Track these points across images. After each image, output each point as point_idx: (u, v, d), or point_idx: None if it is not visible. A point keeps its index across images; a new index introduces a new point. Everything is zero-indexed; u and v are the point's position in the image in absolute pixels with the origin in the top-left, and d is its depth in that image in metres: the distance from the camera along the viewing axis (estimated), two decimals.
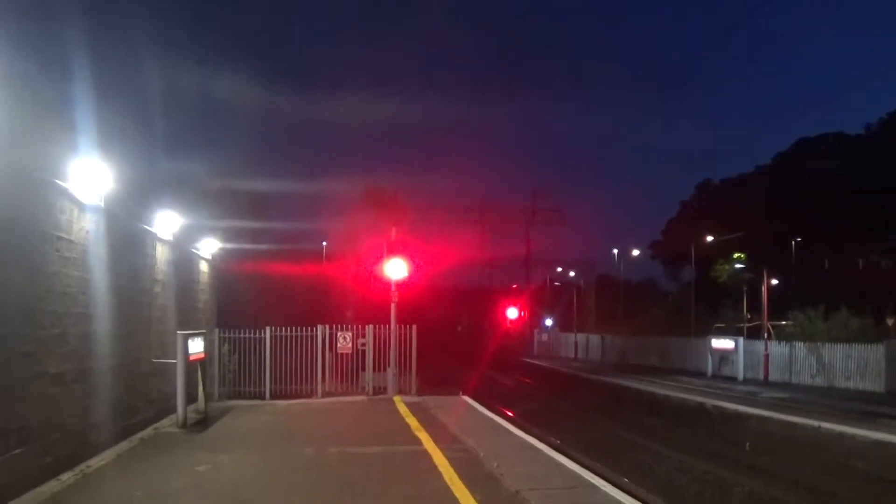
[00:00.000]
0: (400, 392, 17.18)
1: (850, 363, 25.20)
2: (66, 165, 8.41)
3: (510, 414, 19.25)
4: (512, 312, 51.28)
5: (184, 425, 12.00)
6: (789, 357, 27.77)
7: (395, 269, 17.56)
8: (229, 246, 18.45)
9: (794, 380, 27.21)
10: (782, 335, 29.72)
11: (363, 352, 17.42)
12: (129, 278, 10.91)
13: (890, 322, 29.31)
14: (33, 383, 7.52)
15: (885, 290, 30.82)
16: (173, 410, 12.30)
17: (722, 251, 38.64)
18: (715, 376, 30.44)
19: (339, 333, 17.29)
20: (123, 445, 10.17)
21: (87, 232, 9.13)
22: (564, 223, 53.47)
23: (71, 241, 8.61)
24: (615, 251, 54.99)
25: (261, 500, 7.49)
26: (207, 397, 14.22)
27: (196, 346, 13.01)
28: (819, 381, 26.17)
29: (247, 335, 16.67)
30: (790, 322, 30.58)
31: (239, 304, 18.86)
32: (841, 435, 15.23)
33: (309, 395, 16.78)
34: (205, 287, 16.55)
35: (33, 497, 7.20)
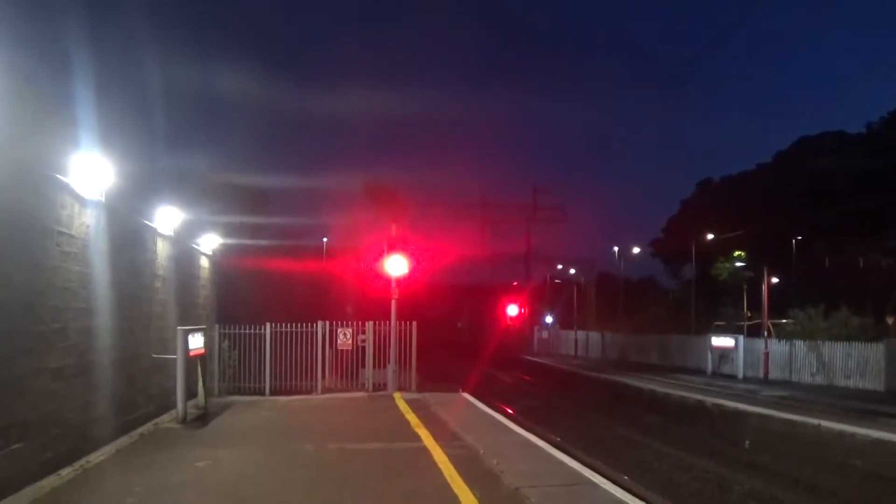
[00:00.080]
0: (400, 389, 17.18)
1: (850, 362, 25.20)
2: (66, 160, 8.39)
3: (510, 411, 19.26)
4: (512, 309, 51.27)
5: (184, 421, 12.00)
6: (789, 355, 27.77)
7: (396, 265, 17.54)
8: (230, 241, 18.42)
9: (794, 378, 27.22)
10: (782, 333, 29.72)
11: (363, 348, 17.42)
12: (129, 273, 10.90)
13: (890, 321, 29.30)
14: (34, 378, 7.52)
15: (886, 289, 30.81)
16: (173, 406, 12.31)
17: (722, 249, 38.63)
18: (715, 374, 30.45)
19: (339, 330, 17.30)
20: (123, 441, 10.17)
21: (88, 227, 9.12)
22: (565, 220, 53.51)
23: (72, 236, 8.60)
24: (615, 249, 55.06)
25: (261, 497, 7.48)
26: (207, 393, 14.22)
27: (196, 342, 13.01)
28: (819, 380, 26.17)
29: (247, 331, 16.67)
30: (790, 320, 30.57)
31: (239, 299, 18.86)
32: (841, 433, 15.22)
33: (309, 392, 16.78)
34: (205, 282, 16.54)
35: (33, 492, 7.19)
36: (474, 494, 7.35)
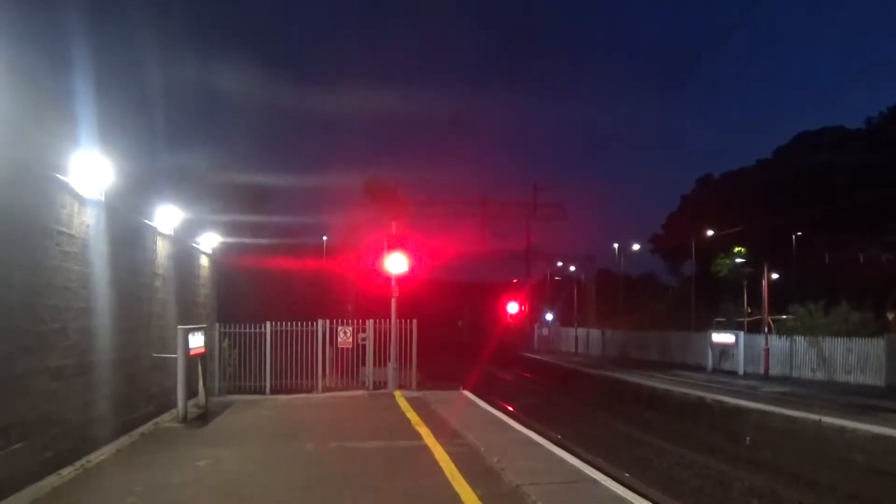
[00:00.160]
0: (400, 387, 17.18)
1: (851, 357, 25.20)
2: (66, 159, 8.38)
3: (510, 409, 19.29)
4: (512, 307, 51.25)
5: (184, 420, 12.00)
6: (790, 351, 27.79)
7: (396, 263, 17.53)
8: (230, 240, 18.42)
9: (795, 374, 27.23)
10: (783, 329, 29.72)
11: (363, 346, 17.41)
12: (129, 273, 10.89)
13: (890, 316, 29.28)
14: (34, 378, 7.51)
15: (886, 284, 30.80)
16: (174, 405, 12.30)
17: (722, 245, 38.64)
18: (715, 371, 30.46)
19: (339, 328, 17.29)
20: (124, 440, 10.17)
21: (88, 226, 9.11)
22: (565, 217, 53.54)
23: (71, 236, 8.59)
24: (615, 245, 55.01)
25: (261, 495, 7.48)
26: (208, 392, 14.22)
27: (196, 341, 13.01)
28: (819, 376, 26.19)
29: (247, 330, 16.66)
30: (791, 316, 30.54)
31: (239, 298, 18.84)
32: (841, 429, 15.23)
33: (309, 390, 16.78)
34: (205, 281, 16.54)
35: (34, 491, 7.19)
36: (475, 492, 7.34)
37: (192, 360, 12.75)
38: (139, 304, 11.45)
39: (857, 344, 25.09)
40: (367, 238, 28.87)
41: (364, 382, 17.32)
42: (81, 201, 8.86)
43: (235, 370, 16.69)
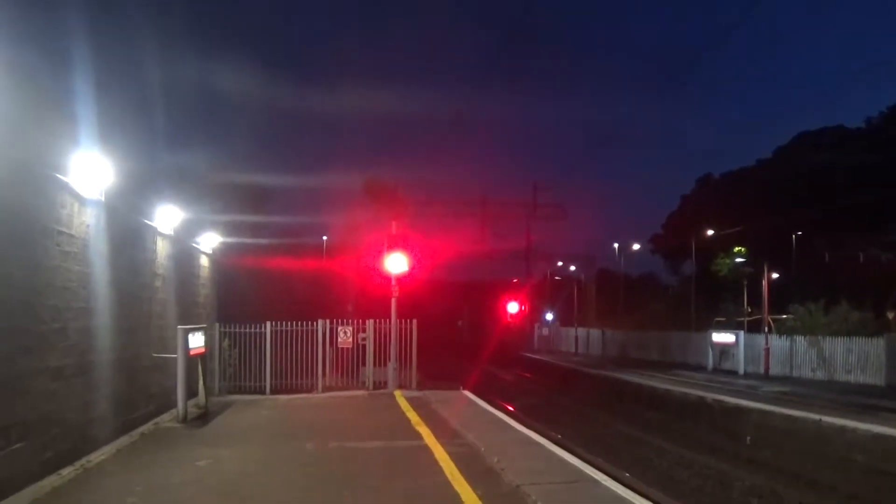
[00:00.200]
0: (400, 387, 17.18)
1: (851, 357, 25.19)
2: (66, 159, 8.37)
3: (511, 409, 19.30)
4: (512, 307, 51.25)
5: (184, 420, 12.00)
6: (790, 351, 27.78)
7: (396, 263, 17.53)
8: (230, 240, 18.41)
9: (795, 373, 27.23)
10: (783, 329, 29.71)
11: (364, 346, 17.41)
12: (129, 273, 10.89)
13: (890, 315, 29.27)
14: (34, 378, 7.51)
15: (886, 284, 30.79)
16: (174, 405, 12.30)
17: (722, 245, 38.63)
18: (716, 370, 30.46)
19: (339, 328, 17.28)
20: (124, 440, 10.16)
21: (88, 226, 9.11)
22: (565, 217, 53.52)
23: (71, 236, 8.59)
24: (615, 245, 55.01)
25: (261, 495, 7.48)
26: (208, 392, 14.21)
27: (196, 341, 13.00)
28: (820, 375, 26.19)
29: (247, 330, 16.66)
30: (791, 316, 30.54)
31: (239, 298, 18.84)
32: (842, 428, 15.23)
33: (309, 390, 16.78)
34: (205, 281, 16.53)
35: (34, 491, 7.19)
36: (475, 492, 7.34)
37: (192, 360, 12.74)
38: (139, 304, 11.45)
39: (857, 343, 25.08)
40: (367, 238, 28.89)
41: (364, 382, 17.31)
42: (81, 201, 8.86)
43: (235, 370, 16.69)
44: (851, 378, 24.87)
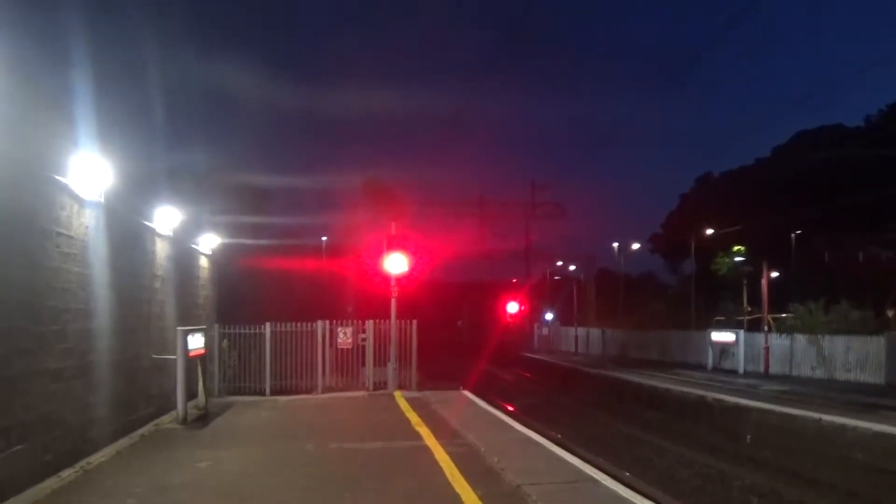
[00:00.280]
0: (400, 387, 17.17)
1: (851, 355, 25.17)
2: (65, 160, 8.37)
3: (511, 409, 19.30)
4: (512, 307, 51.19)
5: (184, 421, 11.99)
6: (790, 350, 27.77)
7: (395, 263, 17.52)
8: (229, 241, 18.40)
9: (795, 372, 27.21)
10: (783, 328, 29.69)
11: (363, 347, 17.40)
12: (128, 274, 10.89)
13: (890, 314, 29.28)
14: (33, 380, 7.51)
15: (886, 282, 30.80)
16: (173, 406, 12.29)
17: (722, 244, 38.62)
18: (715, 369, 30.45)
19: (339, 329, 17.27)
20: (123, 442, 10.16)
21: (87, 228, 9.11)
22: (564, 217, 53.43)
23: (71, 237, 8.59)
24: (615, 245, 54.97)
25: (262, 496, 7.48)
26: (208, 393, 14.21)
27: (196, 342, 12.99)
28: (819, 374, 26.17)
29: (247, 331, 16.65)
30: (790, 315, 30.52)
31: (239, 299, 18.84)
32: (842, 427, 15.24)
33: (309, 391, 16.77)
34: (205, 282, 16.53)
35: (34, 493, 7.19)
36: (476, 492, 7.34)
37: (191, 362, 12.73)
38: (138, 306, 11.44)
39: (857, 342, 25.07)
40: (367, 238, 28.86)
41: (364, 383, 17.30)
42: (81, 203, 8.86)
43: (235, 371, 16.68)
44: (851, 377, 24.86)
